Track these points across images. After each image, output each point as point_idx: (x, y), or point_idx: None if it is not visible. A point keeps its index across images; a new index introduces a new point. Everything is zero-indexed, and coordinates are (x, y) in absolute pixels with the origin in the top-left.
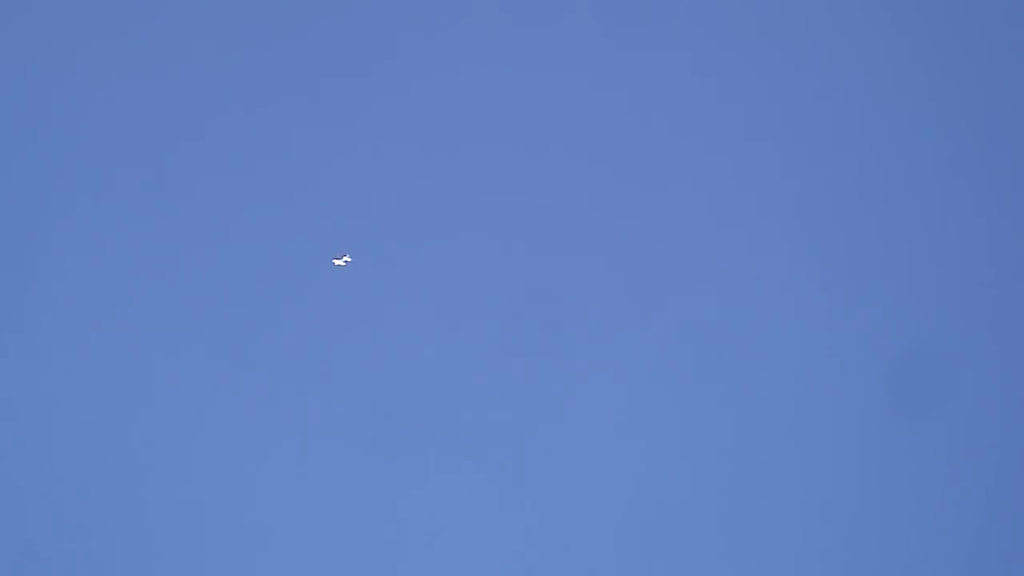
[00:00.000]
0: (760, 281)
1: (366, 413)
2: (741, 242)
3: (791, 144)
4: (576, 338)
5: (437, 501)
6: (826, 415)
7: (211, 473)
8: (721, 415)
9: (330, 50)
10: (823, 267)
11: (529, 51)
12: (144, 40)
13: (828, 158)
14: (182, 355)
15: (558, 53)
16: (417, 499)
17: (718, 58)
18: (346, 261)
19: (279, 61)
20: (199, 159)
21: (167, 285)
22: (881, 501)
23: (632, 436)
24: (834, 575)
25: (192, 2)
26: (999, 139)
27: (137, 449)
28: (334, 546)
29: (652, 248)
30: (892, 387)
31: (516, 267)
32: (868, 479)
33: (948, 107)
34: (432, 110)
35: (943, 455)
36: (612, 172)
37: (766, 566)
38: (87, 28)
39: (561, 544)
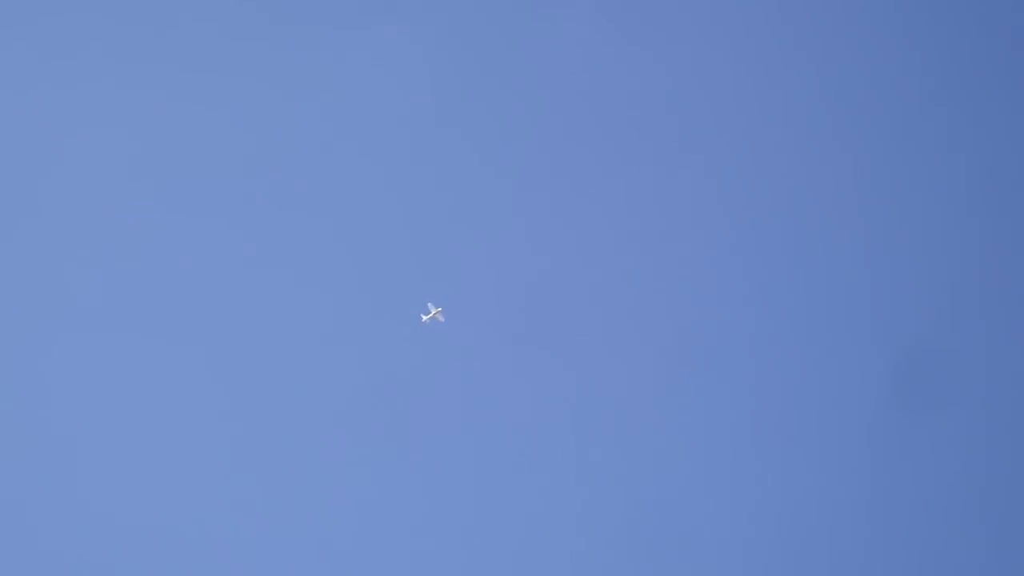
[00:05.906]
0: (761, 279)
1: (364, 409)
2: (743, 240)
3: (793, 143)
4: (577, 337)
5: (433, 498)
6: (826, 414)
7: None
8: (720, 414)
9: (326, 47)
10: (824, 266)
11: (528, 50)
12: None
13: (830, 157)
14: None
15: (558, 52)
16: (413, 496)
17: (717, 58)
18: (434, 315)
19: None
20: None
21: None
22: (880, 500)
23: (630, 435)
24: (834, 574)
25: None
26: (1001, 137)
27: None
28: (331, 545)
29: (653, 247)
30: (893, 385)
31: (514, 266)
32: (868, 478)
33: (948, 106)
34: (430, 109)
35: (944, 454)
36: (611, 171)
37: (766, 565)
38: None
39: (560, 543)
